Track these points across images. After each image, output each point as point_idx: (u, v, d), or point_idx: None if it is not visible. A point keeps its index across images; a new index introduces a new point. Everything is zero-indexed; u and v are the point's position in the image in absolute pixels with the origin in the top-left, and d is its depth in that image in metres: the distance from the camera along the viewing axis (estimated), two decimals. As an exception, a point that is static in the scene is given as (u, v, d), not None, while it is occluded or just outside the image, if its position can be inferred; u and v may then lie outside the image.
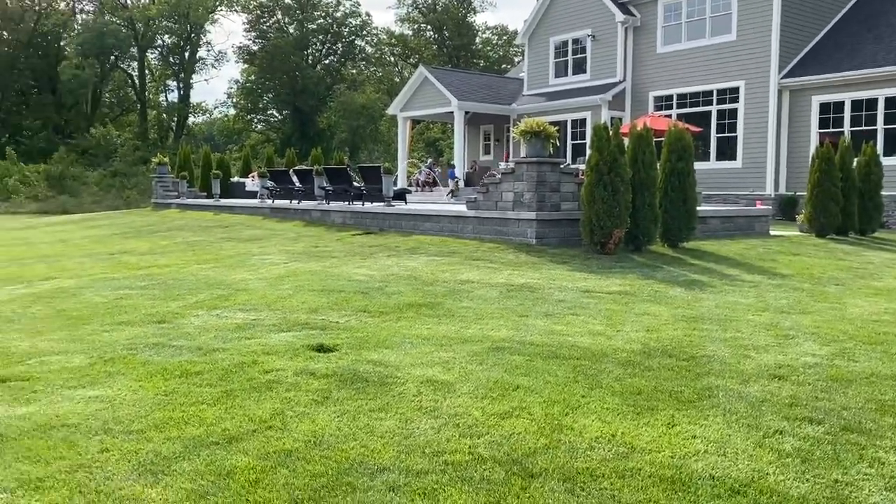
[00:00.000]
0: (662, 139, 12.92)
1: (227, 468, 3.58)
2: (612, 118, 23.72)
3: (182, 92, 73.55)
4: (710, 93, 23.02)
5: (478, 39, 73.20)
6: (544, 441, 3.95)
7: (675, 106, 23.88)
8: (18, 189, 52.54)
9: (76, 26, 69.47)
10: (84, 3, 71.47)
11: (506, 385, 4.89)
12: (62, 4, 69.02)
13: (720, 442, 3.97)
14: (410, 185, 28.80)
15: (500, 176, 13.24)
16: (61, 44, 68.67)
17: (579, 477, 3.53)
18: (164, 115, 74.92)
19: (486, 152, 32.04)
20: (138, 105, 72.60)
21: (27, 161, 56.94)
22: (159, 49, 73.07)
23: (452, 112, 27.53)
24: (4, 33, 65.31)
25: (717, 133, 22.89)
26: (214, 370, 5.23)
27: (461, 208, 14.55)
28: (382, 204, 16.78)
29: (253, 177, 27.98)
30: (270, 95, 72.13)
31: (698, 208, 12.87)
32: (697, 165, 13.92)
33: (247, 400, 4.59)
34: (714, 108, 22.90)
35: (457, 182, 26.90)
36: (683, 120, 20.90)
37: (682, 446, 3.91)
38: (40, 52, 67.14)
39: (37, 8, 66.41)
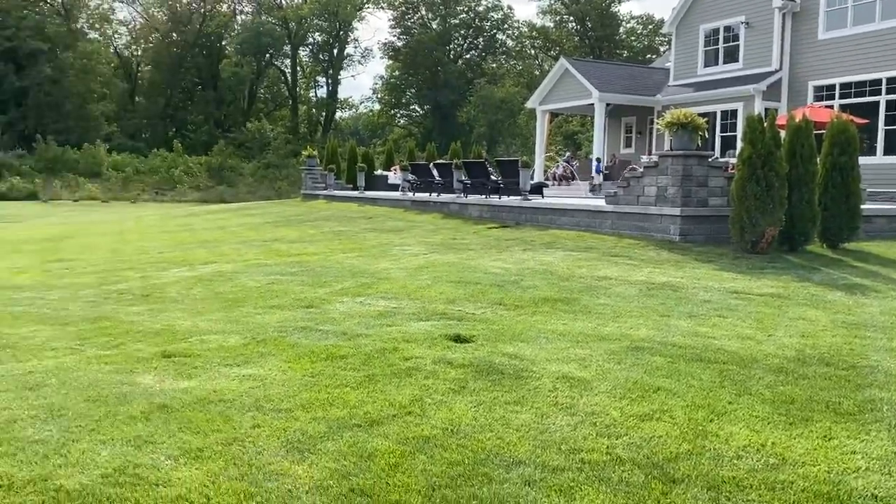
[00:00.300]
0: (823, 132, 12.03)
1: (368, 451, 3.70)
2: (766, 109, 22.37)
3: (330, 88, 76.91)
4: (877, 81, 21.17)
5: (621, 29, 71.38)
6: (687, 446, 3.79)
7: (837, 96, 22.17)
8: (183, 179, 56.99)
9: (236, 27, 74.24)
10: (243, 4, 76.22)
11: (646, 386, 4.74)
12: (224, 6, 73.97)
13: (884, 459, 3.66)
14: (547, 178, 28.54)
15: (641, 170, 12.84)
16: (222, 43, 73.61)
17: (724, 486, 3.37)
18: (314, 110, 78.60)
19: (627, 145, 31.16)
20: (290, 101, 76.58)
21: (191, 153, 61.65)
22: (310, 46, 76.76)
23: (593, 104, 26.97)
24: (174, 35, 70.86)
25: (885, 125, 21.03)
26: (357, 355, 5.42)
27: (599, 203, 14.25)
28: (519, 198, 16.74)
29: (395, 170, 28.76)
30: (413, 91, 73.89)
31: (862, 206, 11.89)
32: (862, 160, 12.83)
33: (387, 385, 4.73)
34: (882, 99, 21.03)
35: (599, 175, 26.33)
36: (847, 111, 19.36)
37: (840, 461, 3.63)
38: (204, 51, 72.31)
39: (202, 10, 71.47)
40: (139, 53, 76.27)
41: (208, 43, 72.54)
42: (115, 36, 76.00)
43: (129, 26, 77.14)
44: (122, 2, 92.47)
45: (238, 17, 75.46)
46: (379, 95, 77.07)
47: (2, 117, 58.29)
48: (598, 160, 26.76)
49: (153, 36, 72.89)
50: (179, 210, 33.17)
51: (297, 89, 76.95)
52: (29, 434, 3.88)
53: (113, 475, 3.40)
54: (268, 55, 73.63)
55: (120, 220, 27.25)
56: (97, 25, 73.38)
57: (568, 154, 35.95)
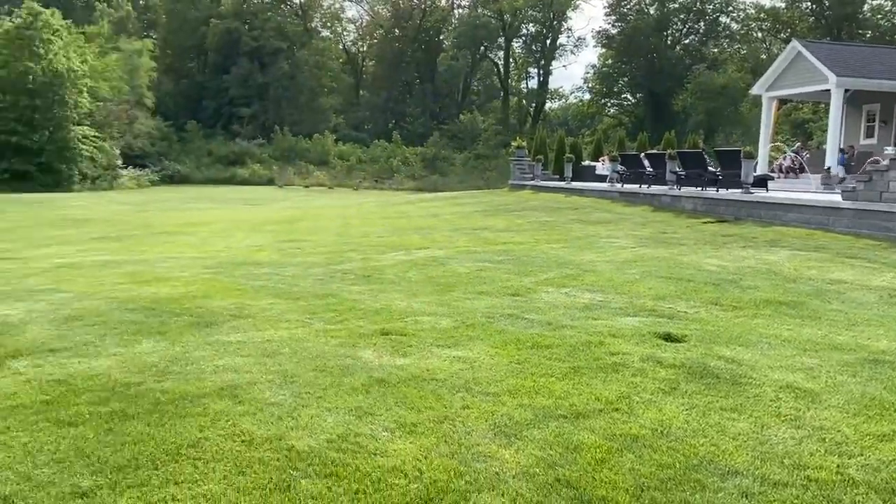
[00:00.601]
0: None
1: (574, 443, 3.68)
2: None
3: (541, 78, 77.13)
4: None
5: (865, 7, 64.11)
6: (936, 475, 3.36)
7: None
8: (400, 168, 60.20)
9: (453, 21, 76.75)
10: (461, -1, 78.49)
11: (885, 403, 4.26)
12: (442, 1, 76.74)
13: None
14: (773, 170, 26.46)
15: (886, 162, 11.51)
16: (440, 38, 76.52)
17: (984, 526, 2.95)
18: (524, 102, 79.24)
19: (868, 135, 28.02)
20: (501, 92, 77.82)
21: (408, 144, 64.92)
22: (523, 38, 77.37)
23: (828, 90, 24.55)
24: (396, 31, 74.87)
25: None
26: (563, 346, 5.41)
27: (833, 198, 12.99)
28: (739, 191, 15.70)
29: (603, 160, 28.21)
30: (626, 79, 71.96)
31: None
32: None
33: (593, 379, 4.67)
34: None
35: (829, 168, 23.95)
36: None
37: None
38: (423, 46, 75.61)
39: (422, 6, 74.72)
40: (364, 49, 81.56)
41: (427, 38, 75.71)
42: (344, 33, 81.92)
43: (357, 24, 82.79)
44: (351, 0, 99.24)
45: (455, 12, 77.99)
46: (590, 85, 75.88)
47: (246, 110, 65.26)
48: (843, 151, 24.30)
49: (377, 32, 77.51)
50: (396, 198, 35.04)
51: (509, 81, 77.95)
52: (266, 396, 4.31)
53: (336, 441, 3.68)
54: (482, 48, 75.33)
55: (344, 205, 29.38)
56: (329, 24, 79.57)
57: (797, 144, 33.04)
